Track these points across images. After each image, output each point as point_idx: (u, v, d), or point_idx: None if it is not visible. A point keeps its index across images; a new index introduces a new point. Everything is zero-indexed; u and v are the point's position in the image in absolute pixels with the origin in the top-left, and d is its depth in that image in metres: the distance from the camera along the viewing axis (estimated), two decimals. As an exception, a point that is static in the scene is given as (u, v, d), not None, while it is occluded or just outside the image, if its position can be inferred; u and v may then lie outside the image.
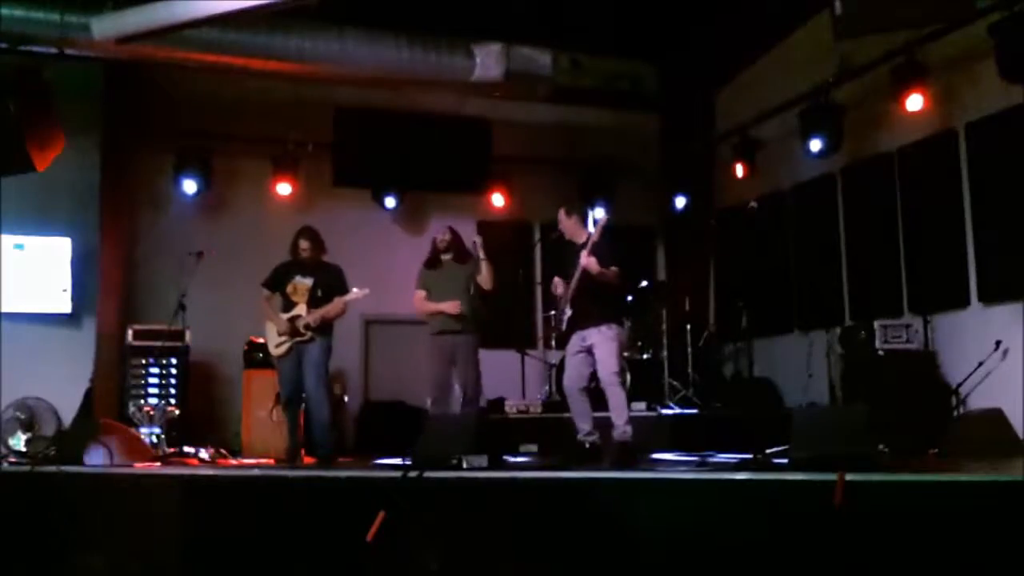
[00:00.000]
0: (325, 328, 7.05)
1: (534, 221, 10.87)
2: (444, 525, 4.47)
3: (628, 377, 7.60)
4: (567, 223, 6.72)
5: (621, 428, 6.26)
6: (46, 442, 8.30)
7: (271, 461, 7.76)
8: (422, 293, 7.37)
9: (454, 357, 7.18)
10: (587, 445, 6.44)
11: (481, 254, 7.27)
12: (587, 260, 6.27)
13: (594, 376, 6.43)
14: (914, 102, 7.77)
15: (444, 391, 7.23)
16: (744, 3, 9.17)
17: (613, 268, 6.31)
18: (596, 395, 6.51)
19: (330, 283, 7.08)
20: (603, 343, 6.30)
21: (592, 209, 6.74)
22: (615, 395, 6.30)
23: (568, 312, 6.47)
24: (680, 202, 10.44)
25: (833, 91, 8.59)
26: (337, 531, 4.60)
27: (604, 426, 6.45)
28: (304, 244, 7.10)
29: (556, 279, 6.60)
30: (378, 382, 10.45)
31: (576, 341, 6.46)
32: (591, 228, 6.50)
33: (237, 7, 7.05)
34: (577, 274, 6.38)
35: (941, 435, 6.55)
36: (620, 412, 6.28)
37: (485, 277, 7.23)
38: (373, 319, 10.26)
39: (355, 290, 7.05)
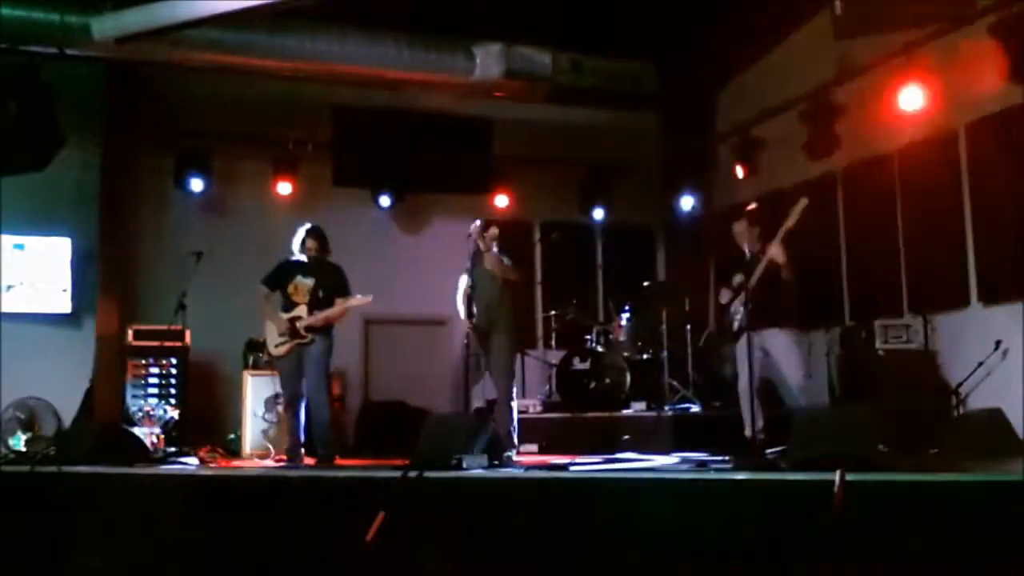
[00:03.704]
0: (326, 329, 7.02)
1: (534, 221, 10.87)
2: (444, 525, 4.47)
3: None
4: (742, 229, 6.81)
5: None
6: (46, 442, 8.31)
7: (271, 461, 7.77)
8: (467, 283, 7.12)
9: (484, 357, 7.04)
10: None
11: (482, 245, 7.04)
12: (776, 250, 6.38)
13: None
14: (913, 101, 7.76)
15: (472, 390, 7.10)
16: (744, 3, 9.17)
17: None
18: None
19: (332, 284, 7.04)
20: (790, 347, 6.44)
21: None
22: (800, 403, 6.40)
23: (741, 312, 6.55)
24: (687, 202, 10.43)
25: (833, 91, 8.59)
26: (337, 531, 4.60)
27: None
28: (311, 243, 7.04)
29: (734, 282, 6.71)
30: (378, 382, 10.45)
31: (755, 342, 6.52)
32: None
33: (237, 7, 7.05)
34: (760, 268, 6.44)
35: (941, 435, 6.55)
36: None
37: (491, 268, 7.03)
38: (373, 319, 10.25)
39: (359, 296, 7.00)
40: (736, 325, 6.64)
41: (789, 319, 6.49)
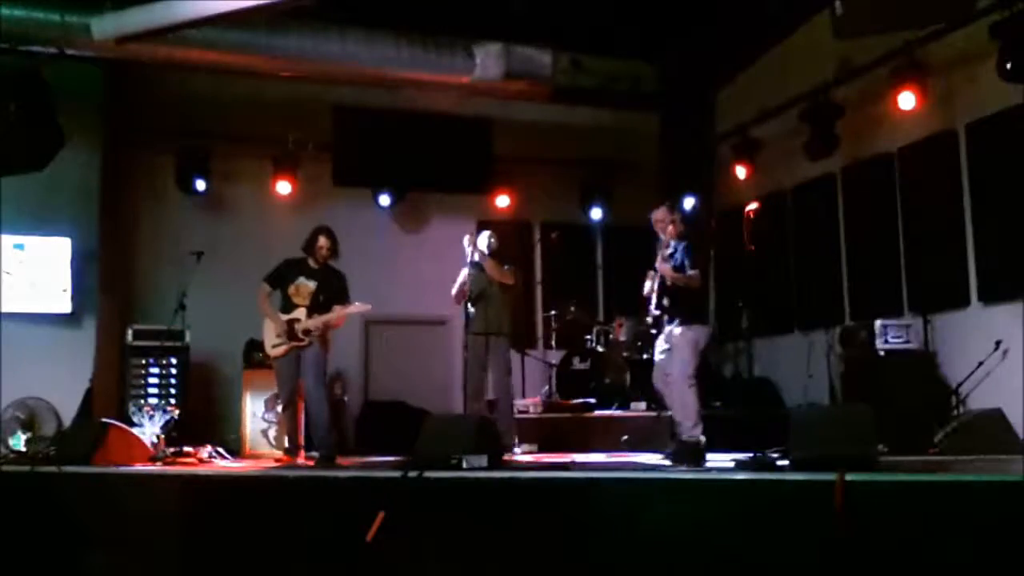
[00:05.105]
0: (323, 333, 7.01)
1: (534, 221, 10.88)
2: (444, 525, 4.47)
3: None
4: (660, 218, 6.79)
5: (689, 431, 6.40)
6: (46, 442, 8.31)
7: (271, 461, 7.76)
8: (464, 287, 7.29)
9: (486, 358, 7.22)
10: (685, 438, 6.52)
11: (476, 255, 7.24)
12: (661, 266, 6.48)
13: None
14: (913, 102, 7.77)
15: (478, 390, 7.24)
16: (744, 3, 9.17)
17: (692, 272, 6.44)
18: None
19: (333, 290, 7.00)
20: (681, 345, 6.43)
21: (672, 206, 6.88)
22: (685, 399, 6.43)
23: (654, 310, 6.60)
24: (687, 202, 10.42)
25: (833, 91, 8.59)
26: (337, 531, 4.60)
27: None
28: (323, 242, 6.99)
29: (649, 273, 6.69)
30: (378, 382, 10.45)
31: (662, 340, 6.61)
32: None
33: (237, 7, 7.05)
34: (657, 275, 6.54)
35: (941, 435, 6.55)
36: (689, 415, 6.42)
37: (492, 274, 7.22)
38: (373, 319, 10.25)
39: (357, 304, 7.00)
40: (650, 317, 6.73)
41: (686, 318, 6.48)
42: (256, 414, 8.84)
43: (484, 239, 7.37)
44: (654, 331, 6.94)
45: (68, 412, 9.02)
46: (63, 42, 8.04)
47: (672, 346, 6.48)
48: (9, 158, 8.03)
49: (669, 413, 6.85)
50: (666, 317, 6.59)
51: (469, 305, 7.29)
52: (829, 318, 8.94)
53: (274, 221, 9.74)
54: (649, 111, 10.86)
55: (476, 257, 7.25)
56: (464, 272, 7.29)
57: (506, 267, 7.39)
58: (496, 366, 7.29)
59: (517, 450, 7.43)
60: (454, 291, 7.32)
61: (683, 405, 6.45)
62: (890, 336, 7.80)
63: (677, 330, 6.48)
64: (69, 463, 5.83)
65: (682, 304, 6.49)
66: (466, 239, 7.37)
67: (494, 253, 7.32)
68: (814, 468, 3.96)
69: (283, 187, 9.91)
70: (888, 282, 8.41)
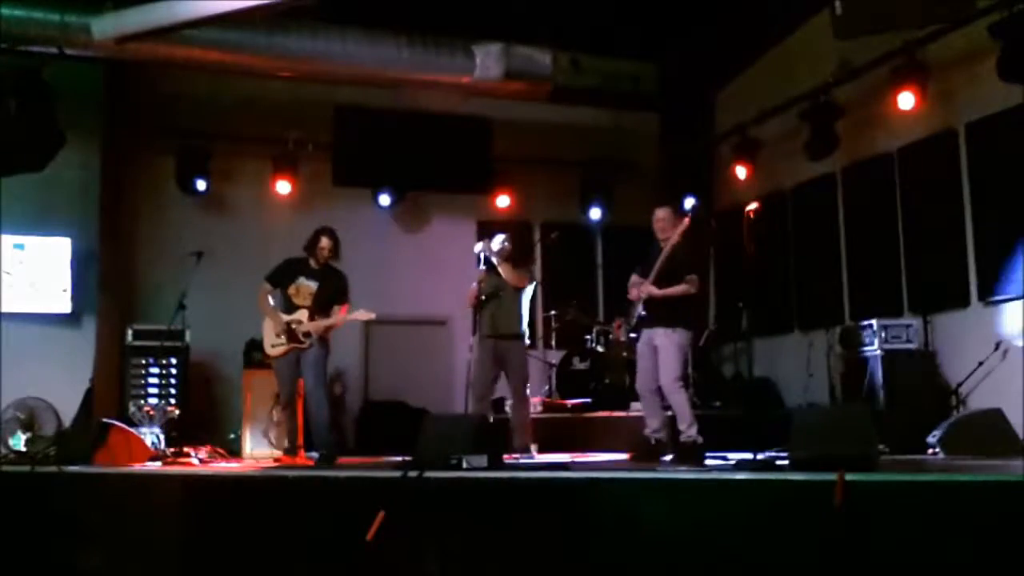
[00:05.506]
0: (323, 334, 7.00)
1: (534, 221, 10.87)
2: (444, 525, 4.47)
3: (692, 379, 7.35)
4: (663, 217, 6.74)
5: (686, 432, 6.40)
6: (46, 442, 8.30)
7: (271, 461, 7.76)
8: (475, 289, 7.24)
9: (502, 361, 7.19)
10: (652, 441, 6.57)
11: (494, 259, 7.20)
12: (646, 288, 6.46)
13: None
14: (913, 102, 7.77)
15: (483, 393, 7.22)
16: (744, 3, 9.18)
17: (690, 277, 6.44)
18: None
19: (334, 291, 7.01)
20: (667, 347, 6.40)
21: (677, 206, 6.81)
22: (677, 400, 6.43)
23: (641, 311, 6.56)
24: (688, 202, 10.42)
25: (833, 91, 8.59)
26: (337, 531, 4.60)
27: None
28: (325, 243, 6.98)
29: (634, 276, 6.68)
30: (378, 382, 10.45)
31: (644, 341, 6.58)
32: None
33: (237, 7, 7.05)
34: (654, 273, 6.50)
35: (941, 435, 6.55)
36: (683, 416, 6.42)
37: (509, 277, 7.18)
38: (373, 319, 10.25)
39: (362, 310, 6.98)
40: (634, 319, 6.67)
41: (673, 320, 6.47)
42: (256, 414, 8.82)
43: (498, 242, 7.26)
44: (633, 334, 6.91)
45: (68, 412, 9.02)
46: (63, 42, 8.04)
47: (658, 348, 6.48)
48: (9, 158, 8.04)
49: (639, 413, 6.90)
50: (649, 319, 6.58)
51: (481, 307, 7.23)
52: (829, 318, 8.93)
53: (274, 221, 9.75)
54: (649, 111, 10.86)
55: (493, 260, 7.19)
56: (479, 276, 7.24)
57: (522, 270, 7.33)
58: (514, 369, 7.24)
59: (533, 447, 7.38)
60: (469, 293, 7.25)
61: (679, 409, 6.46)
62: (890, 336, 7.81)
63: (662, 332, 6.46)
64: (69, 463, 5.83)
65: (669, 307, 6.48)
66: (480, 244, 7.32)
67: (509, 256, 7.25)
68: (814, 468, 3.96)
69: (283, 187, 9.91)
70: (888, 282, 8.41)
